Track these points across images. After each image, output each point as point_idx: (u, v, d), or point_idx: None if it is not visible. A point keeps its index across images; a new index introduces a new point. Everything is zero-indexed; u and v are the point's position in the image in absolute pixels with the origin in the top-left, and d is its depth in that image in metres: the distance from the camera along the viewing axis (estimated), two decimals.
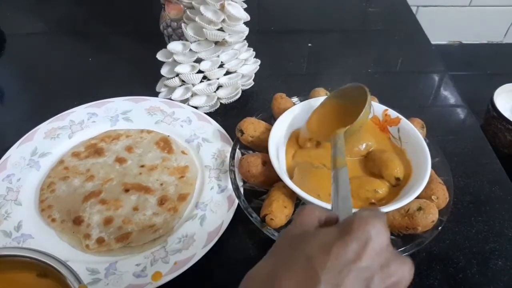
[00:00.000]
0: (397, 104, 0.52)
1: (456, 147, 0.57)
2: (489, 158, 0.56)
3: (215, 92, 0.59)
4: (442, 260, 0.45)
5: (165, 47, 0.58)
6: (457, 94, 0.67)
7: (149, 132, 0.55)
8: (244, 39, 0.60)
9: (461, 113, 0.64)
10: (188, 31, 0.56)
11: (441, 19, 1.05)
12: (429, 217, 0.41)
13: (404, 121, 0.49)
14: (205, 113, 0.58)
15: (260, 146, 0.49)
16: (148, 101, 0.59)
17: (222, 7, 0.53)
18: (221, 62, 0.58)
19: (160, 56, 0.58)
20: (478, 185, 0.52)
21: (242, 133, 0.49)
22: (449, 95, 0.67)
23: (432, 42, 0.78)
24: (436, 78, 0.71)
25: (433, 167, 0.45)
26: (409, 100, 0.66)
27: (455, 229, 0.47)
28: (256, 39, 0.63)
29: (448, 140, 0.58)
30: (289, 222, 0.43)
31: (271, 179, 0.45)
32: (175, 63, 0.57)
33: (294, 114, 0.51)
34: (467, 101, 0.66)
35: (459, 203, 0.50)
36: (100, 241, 0.43)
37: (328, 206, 0.41)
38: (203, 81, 0.59)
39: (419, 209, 0.41)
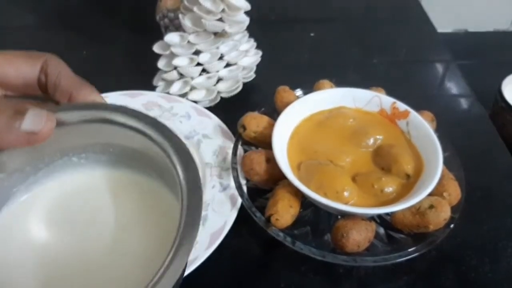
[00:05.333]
0: (403, 95, 0.49)
1: (465, 140, 0.55)
2: (500, 151, 0.54)
3: (215, 85, 0.57)
4: (454, 259, 0.43)
5: (162, 39, 0.55)
6: (465, 85, 0.64)
7: None
8: (245, 30, 0.57)
9: (469, 104, 0.62)
10: (186, 21, 0.53)
11: (446, 6, 1.02)
12: (441, 215, 0.39)
13: (413, 114, 0.47)
14: (205, 107, 0.56)
15: (264, 142, 0.47)
16: (145, 96, 0.56)
17: None
18: (221, 54, 0.56)
19: (156, 48, 0.56)
20: (488, 180, 0.50)
21: (244, 128, 0.47)
22: (457, 86, 0.65)
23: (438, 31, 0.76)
24: (443, 67, 0.68)
25: (444, 162, 0.43)
26: (415, 91, 0.63)
27: (467, 226, 0.45)
28: (256, 29, 0.61)
29: (456, 133, 0.55)
30: (295, 221, 0.41)
31: (276, 177, 0.43)
32: (173, 55, 0.55)
33: (298, 108, 0.48)
34: (473, 92, 0.63)
35: (470, 198, 0.48)
36: None
37: (336, 205, 0.39)
38: (202, 74, 0.57)
39: (431, 207, 0.39)
